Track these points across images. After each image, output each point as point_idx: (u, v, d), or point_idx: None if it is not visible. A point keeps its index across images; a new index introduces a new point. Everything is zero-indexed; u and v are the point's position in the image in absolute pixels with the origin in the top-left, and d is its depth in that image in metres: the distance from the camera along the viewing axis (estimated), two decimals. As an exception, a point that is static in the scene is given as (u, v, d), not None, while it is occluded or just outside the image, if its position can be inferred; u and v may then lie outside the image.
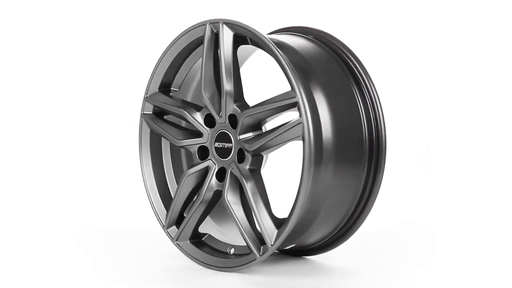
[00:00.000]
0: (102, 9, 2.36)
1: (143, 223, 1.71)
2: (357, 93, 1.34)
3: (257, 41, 1.29)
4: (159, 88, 1.45)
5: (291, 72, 1.24)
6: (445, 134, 2.28)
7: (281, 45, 1.33)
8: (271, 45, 1.26)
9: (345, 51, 1.37)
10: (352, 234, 1.39)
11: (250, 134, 1.33)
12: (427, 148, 2.27)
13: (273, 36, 1.39)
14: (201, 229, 1.42)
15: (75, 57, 2.34)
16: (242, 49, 1.37)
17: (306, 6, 2.30)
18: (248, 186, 1.30)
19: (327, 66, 1.34)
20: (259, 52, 1.41)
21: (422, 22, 2.31)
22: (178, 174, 1.49)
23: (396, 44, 2.31)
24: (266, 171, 1.40)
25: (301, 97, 1.23)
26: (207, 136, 1.38)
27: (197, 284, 1.29)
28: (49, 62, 2.34)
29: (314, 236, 1.36)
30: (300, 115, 1.23)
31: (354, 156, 1.31)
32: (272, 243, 1.28)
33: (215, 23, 1.33)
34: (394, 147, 2.24)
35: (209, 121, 1.38)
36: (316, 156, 1.23)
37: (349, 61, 1.36)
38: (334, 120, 1.28)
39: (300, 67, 1.29)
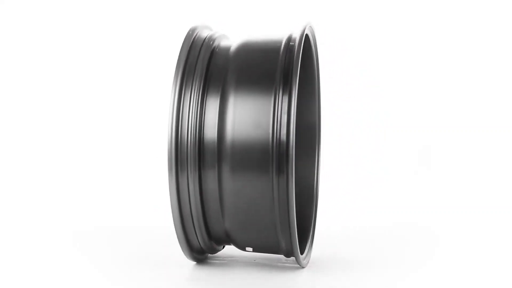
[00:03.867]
0: (104, 9, 2.36)
1: (143, 223, 1.71)
2: (278, 98, 1.26)
3: None
4: None
5: (175, 72, 1.30)
6: (445, 134, 2.28)
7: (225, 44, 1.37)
8: (183, 47, 1.32)
9: (294, 54, 1.30)
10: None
11: None
12: (427, 148, 2.27)
13: (236, 39, 1.40)
14: None
15: (74, 58, 2.33)
16: None
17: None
18: None
19: (258, 69, 1.31)
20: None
21: (423, 22, 2.31)
22: None
23: (399, 42, 2.31)
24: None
25: (172, 97, 1.29)
26: None
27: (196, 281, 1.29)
28: (44, 64, 2.34)
29: (257, 240, 1.34)
30: None
31: (252, 161, 1.26)
32: None
33: None
34: (393, 147, 2.24)
35: None
36: (173, 157, 1.27)
37: (290, 65, 1.30)
38: (223, 123, 1.27)
39: (215, 68, 1.32)
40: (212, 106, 1.29)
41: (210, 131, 1.28)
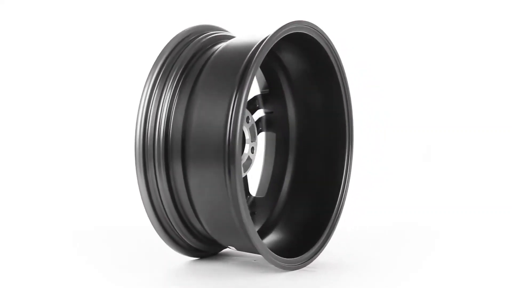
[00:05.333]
0: (103, 9, 2.36)
1: (143, 223, 1.71)
2: (234, 97, 1.24)
3: None
4: None
5: (151, 70, 1.33)
6: (445, 134, 2.28)
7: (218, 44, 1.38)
8: (165, 47, 1.35)
9: (257, 52, 1.26)
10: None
11: None
12: (428, 148, 2.27)
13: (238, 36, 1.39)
14: None
15: (73, 58, 2.34)
16: None
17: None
18: None
19: (226, 68, 1.29)
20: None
21: (423, 22, 2.31)
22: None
23: (399, 42, 2.32)
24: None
25: (143, 96, 1.32)
26: None
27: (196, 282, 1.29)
28: (43, 64, 2.34)
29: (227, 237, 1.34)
30: None
31: (210, 159, 1.25)
32: None
33: None
34: (393, 147, 2.25)
35: None
36: (141, 153, 1.31)
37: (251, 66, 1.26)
38: (188, 121, 1.28)
39: (196, 66, 1.34)
40: (181, 105, 1.30)
41: (177, 129, 1.29)
